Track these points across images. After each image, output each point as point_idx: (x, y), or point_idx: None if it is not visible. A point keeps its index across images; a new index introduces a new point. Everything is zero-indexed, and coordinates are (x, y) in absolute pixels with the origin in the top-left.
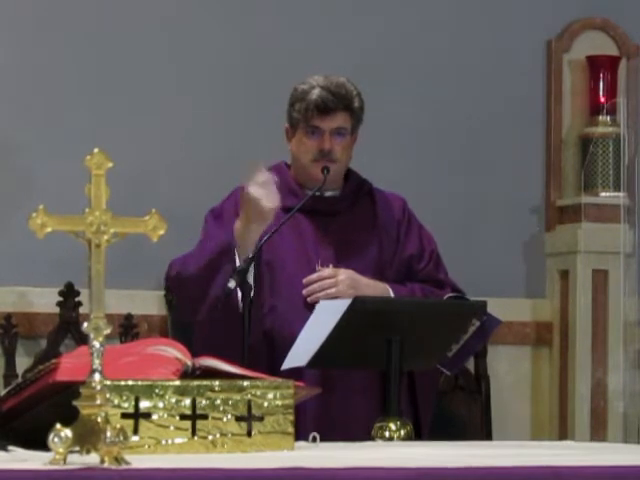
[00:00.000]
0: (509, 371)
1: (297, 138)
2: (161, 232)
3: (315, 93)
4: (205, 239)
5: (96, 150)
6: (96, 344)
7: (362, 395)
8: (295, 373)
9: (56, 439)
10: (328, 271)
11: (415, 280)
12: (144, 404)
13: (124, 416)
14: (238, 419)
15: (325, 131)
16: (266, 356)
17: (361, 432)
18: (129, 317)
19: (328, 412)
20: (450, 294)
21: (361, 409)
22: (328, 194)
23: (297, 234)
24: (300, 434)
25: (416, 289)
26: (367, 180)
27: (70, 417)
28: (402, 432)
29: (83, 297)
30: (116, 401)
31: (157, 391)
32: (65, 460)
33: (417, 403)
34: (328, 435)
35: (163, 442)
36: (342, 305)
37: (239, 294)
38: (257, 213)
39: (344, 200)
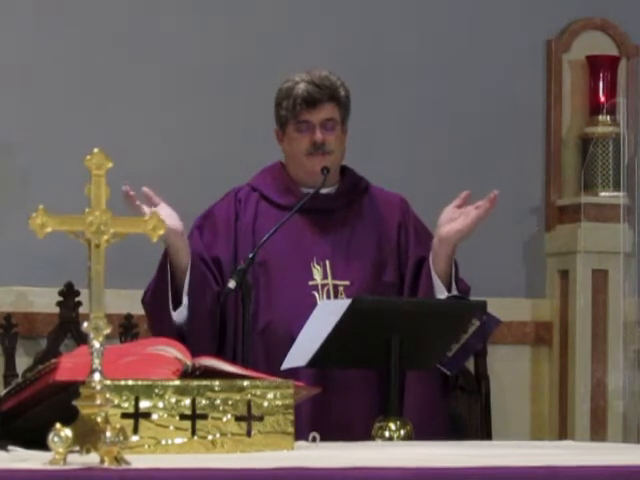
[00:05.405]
0: (509, 371)
1: (288, 136)
2: (161, 232)
3: (300, 88)
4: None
5: (96, 150)
6: (96, 344)
7: (356, 394)
8: (290, 372)
9: (56, 439)
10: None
11: None
12: (144, 404)
13: (124, 416)
14: (238, 419)
15: (315, 124)
16: (263, 355)
17: (355, 431)
18: (129, 317)
19: (322, 411)
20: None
21: (354, 408)
22: (323, 191)
23: (292, 232)
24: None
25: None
26: (364, 178)
27: (70, 417)
28: (402, 432)
29: (83, 297)
30: (116, 401)
31: (157, 391)
32: (65, 460)
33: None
34: (322, 435)
35: (163, 442)
36: (342, 305)
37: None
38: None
39: (340, 198)
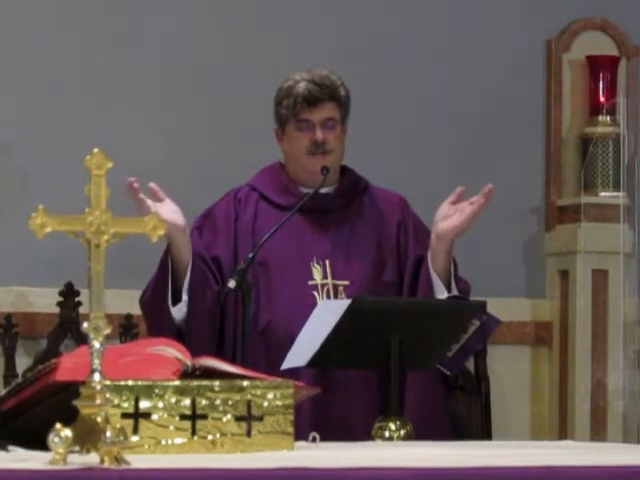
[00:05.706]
0: (509, 371)
1: (288, 135)
2: (161, 232)
3: (301, 87)
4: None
5: (96, 150)
6: (96, 344)
7: (356, 394)
8: (290, 372)
9: (56, 439)
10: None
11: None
12: (144, 404)
13: (124, 416)
14: (238, 419)
15: (315, 123)
16: (264, 355)
17: (355, 431)
18: (129, 317)
19: (322, 411)
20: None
21: (354, 408)
22: (322, 191)
23: (292, 232)
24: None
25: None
26: (363, 177)
27: (70, 417)
28: (402, 432)
29: (83, 297)
30: (116, 401)
31: (157, 391)
32: (65, 460)
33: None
34: (322, 435)
35: (163, 442)
36: (342, 305)
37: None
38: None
39: (339, 197)
